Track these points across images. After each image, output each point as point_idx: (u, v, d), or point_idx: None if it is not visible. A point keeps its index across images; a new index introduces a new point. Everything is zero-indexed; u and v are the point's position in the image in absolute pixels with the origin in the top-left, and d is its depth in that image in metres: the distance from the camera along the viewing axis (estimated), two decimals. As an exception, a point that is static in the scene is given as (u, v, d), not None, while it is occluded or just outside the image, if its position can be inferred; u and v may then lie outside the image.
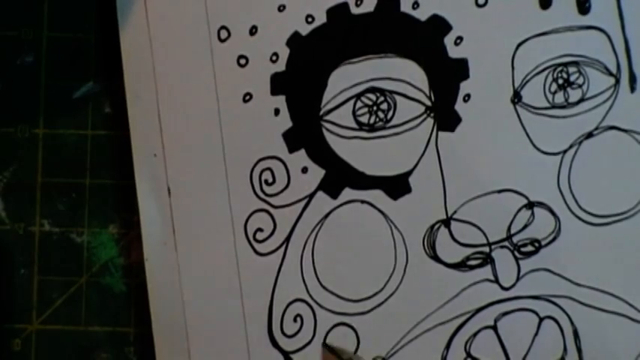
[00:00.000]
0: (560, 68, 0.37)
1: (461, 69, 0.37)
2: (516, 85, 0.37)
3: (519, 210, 0.38)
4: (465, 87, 0.38)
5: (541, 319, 0.38)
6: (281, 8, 0.37)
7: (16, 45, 0.40)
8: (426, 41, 0.37)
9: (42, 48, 0.40)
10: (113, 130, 0.40)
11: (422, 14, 0.37)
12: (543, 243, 0.38)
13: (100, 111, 0.40)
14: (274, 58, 0.38)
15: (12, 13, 0.40)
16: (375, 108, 0.37)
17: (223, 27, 0.38)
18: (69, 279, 0.39)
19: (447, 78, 0.37)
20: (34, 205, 0.40)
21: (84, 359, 0.39)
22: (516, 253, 0.38)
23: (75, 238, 0.40)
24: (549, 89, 0.37)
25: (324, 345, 0.36)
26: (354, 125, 0.37)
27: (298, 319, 0.38)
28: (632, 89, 0.38)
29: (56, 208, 0.40)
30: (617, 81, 0.38)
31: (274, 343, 0.38)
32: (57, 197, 0.40)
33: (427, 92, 0.37)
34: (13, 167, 0.39)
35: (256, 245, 0.38)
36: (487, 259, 0.38)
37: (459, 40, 0.37)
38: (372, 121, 0.37)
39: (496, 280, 0.38)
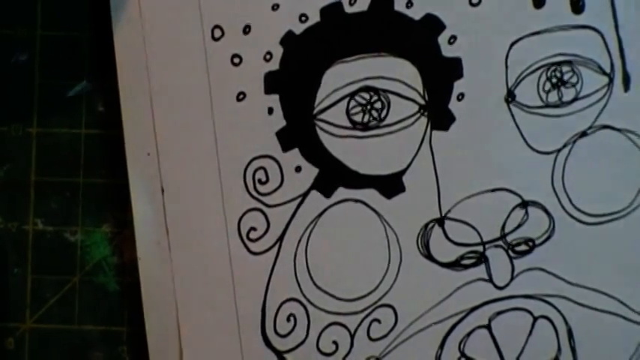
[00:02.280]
0: (553, 67, 0.37)
1: (455, 68, 0.37)
2: (510, 84, 0.37)
3: (513, 209, 0.37)
4: (458, 86, 0.37)
5: (535, 319, 0.37)
6: (275, 7, 0.37)
7: (9, 44, 0.40)
8: (419, 40, 0.37)
9: (36, 47, 0.40)
10: (107, 128, 0.39)
11: (416, 13, 0.37)
12: (537, 242, 0.38)
13: (93, 110, 0.40)
14: (268, 57, 0.37)
15: (6, 11, 0.40)
16: (368, 107, 0.37)
17: (217, 26, 0.38)
18: (62, 278, 0.39)
19: (440, 77, 0.37)
20: (28, 203, 0.39)
21: (77, 358, 0.39)
22: (510, 253, 0.37)
23: (68, 237, 0.39)
24: (543, 88, 0.37)
25: None
26: (348, 124, 0.37)
27: (292, 318, 0.38)
28: (626, 88, 0.38)
29: (50, 206, 0.40)
30: (611, 80, 0.38)
31: (267, 343, 0.38)
32: (50, 196, 0.39)
33: (421, 91, 0.37)
34: (6, 166, 0.39)
35: (250, 244, 0.38)
36: (481, 259, 0.37)
37: (452, 39, 0.37)
38: (365, 120, 0.37)
39: (490, 280, 0.37)
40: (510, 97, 0.37)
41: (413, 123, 0.37)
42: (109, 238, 0.39)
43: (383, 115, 0.37)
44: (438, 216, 0.38)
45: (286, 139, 0.38)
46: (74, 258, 0.39)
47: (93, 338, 0.39)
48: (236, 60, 0.38)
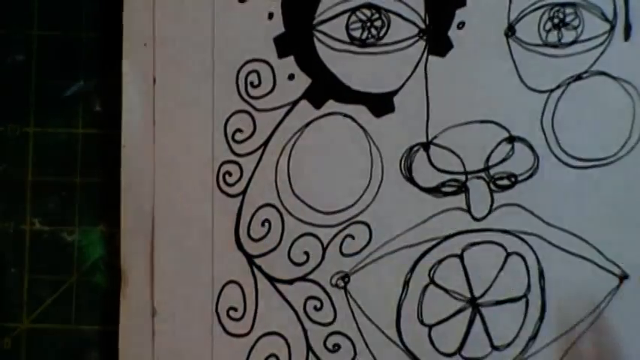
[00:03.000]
0: (557, 8, 0.37)
1: (458, -4, 0.38)
2: (512, 18, 0.37)
3: (500, 143, 0.37)
4: (460, 14, 0.38)
5: (508, 254, 0.37)
6: None
7: (6, 43, 0.40)
8: (427, -36, 0.38)
9: (32, 47, 0.40)
10: (103, 128, 0.39)
11: (426, -63, 0.38)
12: (520, 178, 0.37)
13: (90, 109, 0.40)
14: (275, -38, 0.38)
15: (2, 11, 0.40)
16: (368, 24, 0.37)
17: None
18: (59, 278, 0.39)
19: (443, 3, 0.37)
20: (25, 203, 0.39)
21: (74, 358, 0.39)
22: (492, 185, 0.37)
23: (65, 236, 0.39)
24: (544, 27, 0.37)
25: None
26: (346, 39, 0.37)
27: (266, 224, 0.38)
28: (626, 37, 0.38)
29: (46, 206, 0.39)
30: (612, 27, 0.38)
31: (239, 245, 0.38)
32: (47, 196, 0.39)
33: (422, 15, 0.37)
34: (3, 166, 0.39)
35: (234, 145, 0.38)
36: (462, 188, 0.37)
37: (459, -33, 0.37)
38: (364, 36, 0.37)
39: (468, 210, 0.37)
40: (510, 31, 0.37)
41: (410, 45, 0.38)
42: (106, 238, 0.39)
43: (382, 33, 0.37)
44: (424, 140, 0.38)
45: (283, 45, 0.38)
46: (71, 258, 0.39)
47: (90, 338, 0.39)
48: (243, -38, 0.38)
